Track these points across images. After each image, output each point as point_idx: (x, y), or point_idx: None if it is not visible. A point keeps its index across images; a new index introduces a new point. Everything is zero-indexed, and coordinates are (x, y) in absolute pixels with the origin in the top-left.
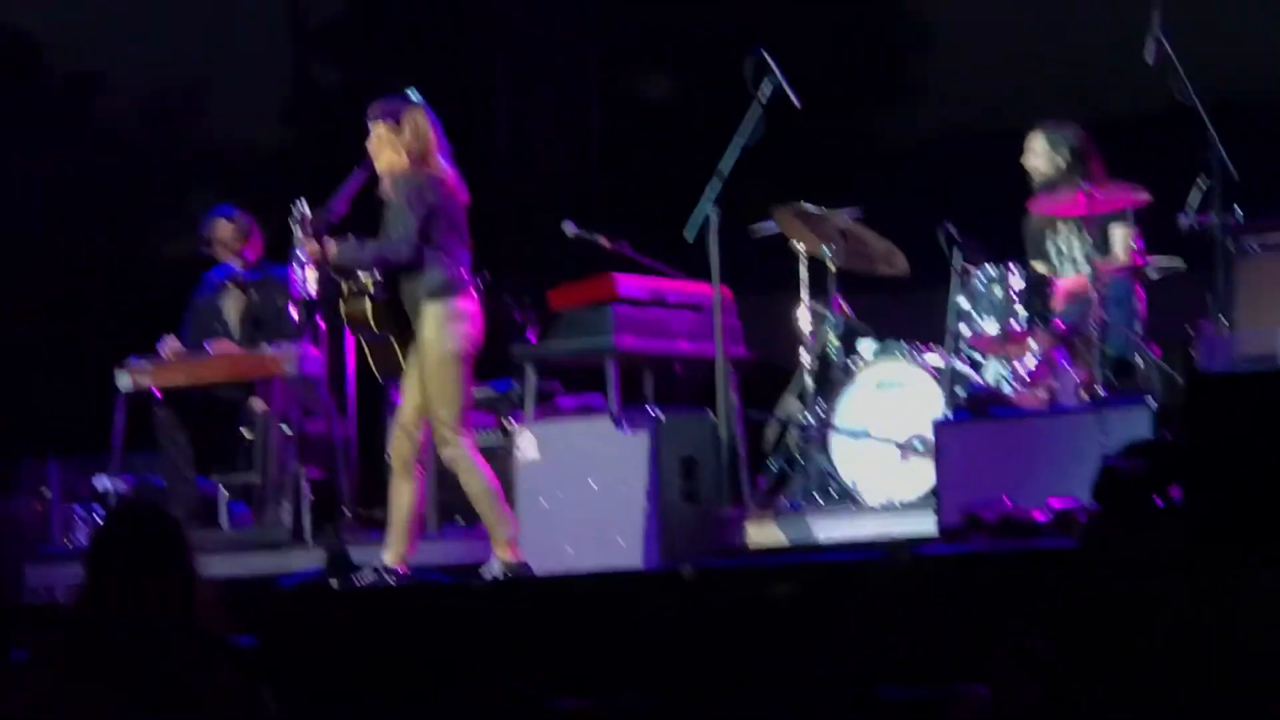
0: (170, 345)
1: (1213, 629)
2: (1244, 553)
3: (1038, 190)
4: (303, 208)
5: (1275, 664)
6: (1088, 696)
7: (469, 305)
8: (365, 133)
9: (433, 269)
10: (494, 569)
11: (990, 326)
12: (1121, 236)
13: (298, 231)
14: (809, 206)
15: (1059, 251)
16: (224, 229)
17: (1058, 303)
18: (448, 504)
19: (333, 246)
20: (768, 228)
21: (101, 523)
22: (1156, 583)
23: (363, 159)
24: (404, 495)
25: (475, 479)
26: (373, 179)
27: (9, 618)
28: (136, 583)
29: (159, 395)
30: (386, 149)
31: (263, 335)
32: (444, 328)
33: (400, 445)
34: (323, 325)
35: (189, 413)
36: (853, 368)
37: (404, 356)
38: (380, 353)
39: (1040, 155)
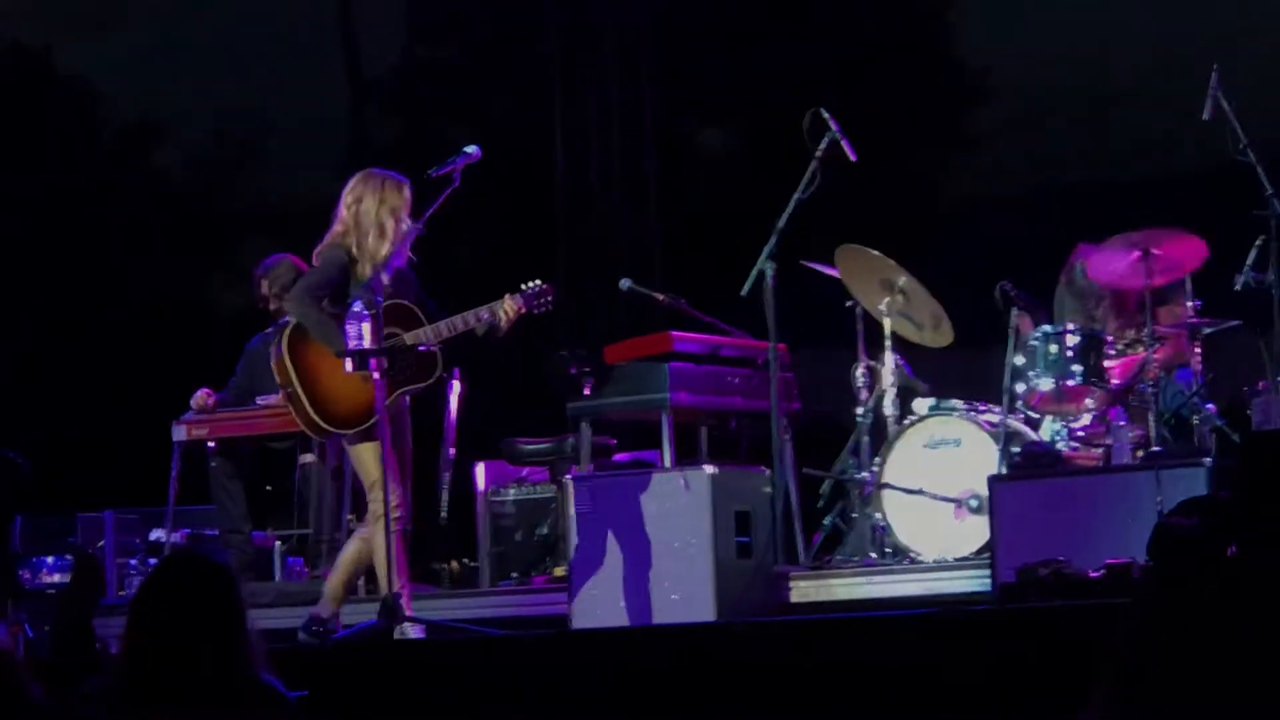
0: (199, 397)
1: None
2: None
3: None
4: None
5: None
6: None
7: None
8: (422, 183)
9: None
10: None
11: (1046, 384)
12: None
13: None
14: (872, 251)
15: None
16: (280, 279)
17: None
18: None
19: None
20: (821, 268)
21: (152, 572)
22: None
23: (420, 212)
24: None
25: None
26: (428, 231)
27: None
28: (184, 631)
29: (213, 447)
30: None
31: None
32: None
33: None
34: (377, 378)
35: (243, 465)
36: (908, 424)
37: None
38: None
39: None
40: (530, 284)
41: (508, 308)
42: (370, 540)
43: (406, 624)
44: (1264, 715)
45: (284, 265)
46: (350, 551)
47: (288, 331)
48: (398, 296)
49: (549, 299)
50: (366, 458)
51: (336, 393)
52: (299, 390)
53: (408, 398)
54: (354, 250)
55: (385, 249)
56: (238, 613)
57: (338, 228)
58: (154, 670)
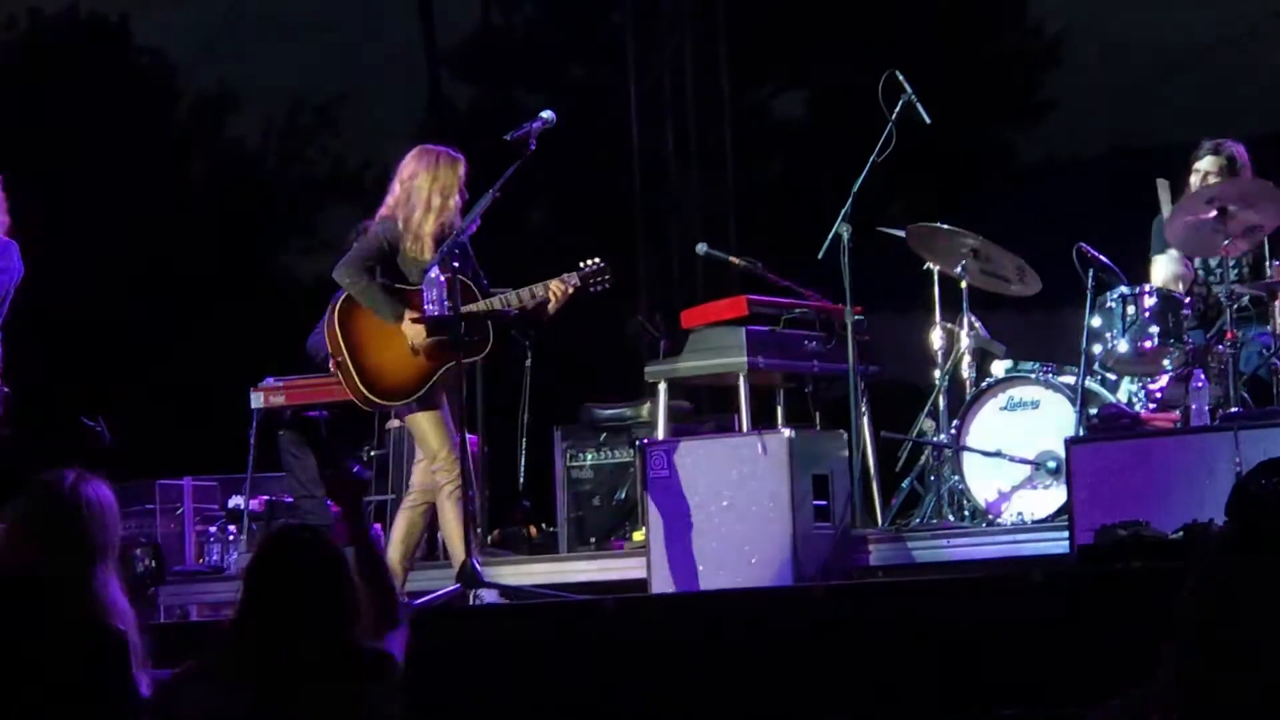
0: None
1: None
2: None
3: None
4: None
5: None
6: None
7: None
8: (499, 150)
9: None
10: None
11: (1123, 346)
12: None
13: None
14: (941, 225)
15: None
16: None
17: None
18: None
19: None
20: (895, 231)
21: (263, 547)
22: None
23: (495, 179)
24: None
25: None
26: (506, 199)
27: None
28: (296, 607)
29: (286, 416)
30: None
31: None
32: None
33: None
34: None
35: (317, 432)
36: (985, 387)
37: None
38: None
39: (1217, 173)
40: (588, 262)
41: (555, 289)
42: (415, 510)
43: (482, 589)
44: None
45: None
46: (400, 526)
47: (339, 302)
48: (460, 270)
49: (606, 278)
50: (425, 427)
51: (385, 364)
52: (348, 360)
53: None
54: (402, 225)
55: (430, 225)
56: (348, 588)
57: (389, 200)
58: (265, 642)
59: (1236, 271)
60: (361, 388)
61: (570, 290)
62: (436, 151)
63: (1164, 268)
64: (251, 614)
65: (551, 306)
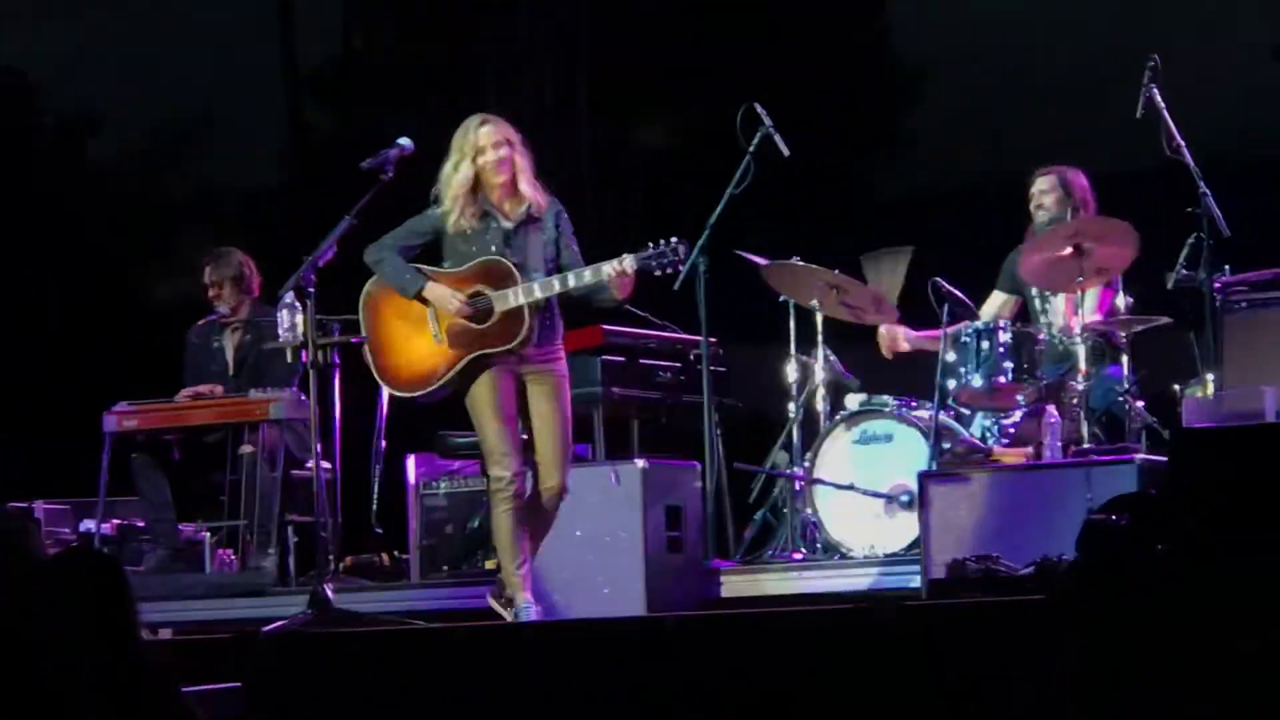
0: (184, 394)
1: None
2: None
3: (1040, 230)
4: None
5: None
6: None
7: None
8: (357, 176)
9: None
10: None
11: (977, 380)
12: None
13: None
14: (796, 263)
15: (1043, 298)
16: (223, 269)
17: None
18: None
19: None
20: (754, 258)
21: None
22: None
23: (353, 204)
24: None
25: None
26: (361, 225)
27: None
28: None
29: (138, 439)
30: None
31: (251, 379)
32: None
33: None
34: (309, 369)
35: (166, 456)
36: (839, 420)
37: None
38: None
39: (1053, 196)
40: (659, 242)
41: (611, 269)
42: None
43: (521, 605)
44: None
45: (230, 255)
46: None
47: (369, 284)
48: (516, 251)
49: (677, 259)
50: (473, 420)
51: (406, 353)
52: (371, 345)
53: (513, 359)
54: (439, 207)
55: (454, 190)
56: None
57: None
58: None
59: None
60: (387, 375)
61: (628, 271)
62: (463, 124)
63: (994, 304)
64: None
65: (616, 288)
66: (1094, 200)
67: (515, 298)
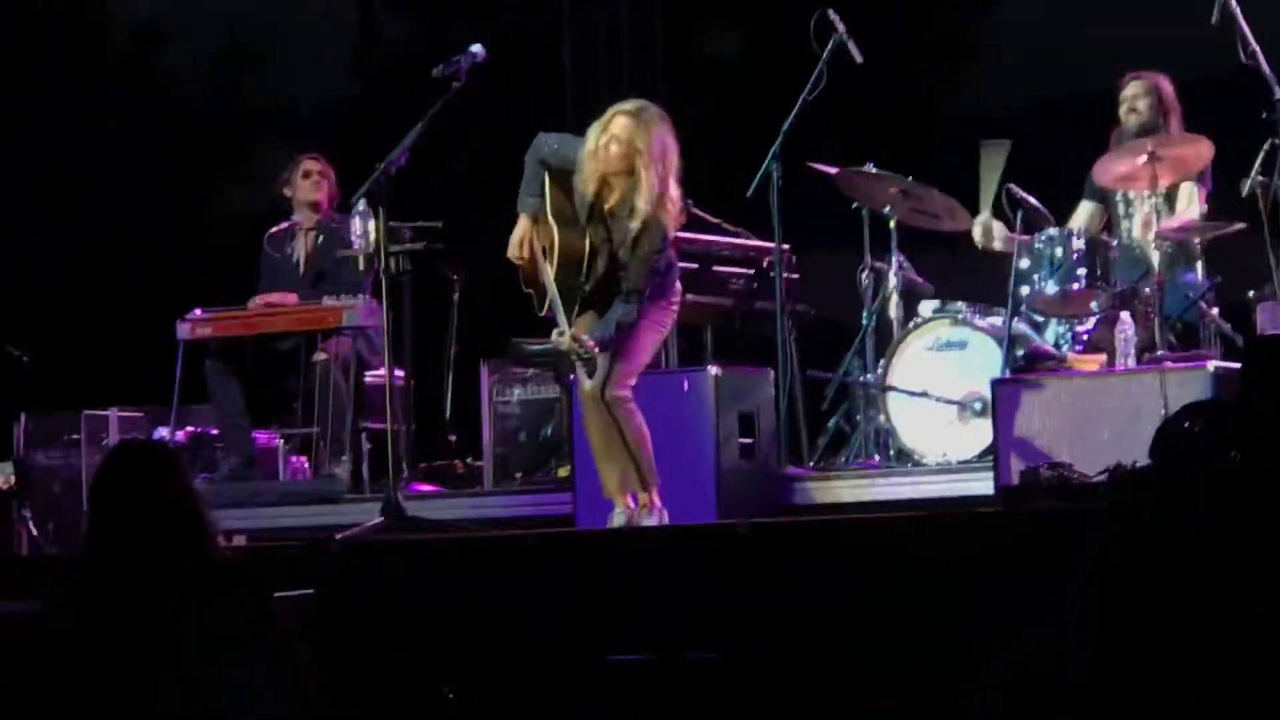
0: (257, 301)
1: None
2: None
3: (1129, 136)
4: None
5: None
6: (1131, 656)
7: None
8: (428, 84)
9: None
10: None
11: (1050, 288)
12: (1188, 195)
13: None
14: (870, 169)
15: (1126, 201)
16: (306, 173)
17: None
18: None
19: None
20: (826, 169)
21: (102, 466)
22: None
23: (424, 112)
24: None
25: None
26: (434, 133)
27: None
28: (142, 518)
29: (212, 346)
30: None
31: (324, 286)
32: None
33: None
34: (381, 275)
35: (240, 362)
36: (912, 327)
37: None
38: None
39: (1146, 101)
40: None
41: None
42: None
43: (617, 511)
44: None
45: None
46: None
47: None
48: (599, 234)
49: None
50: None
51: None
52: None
53: None
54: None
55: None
56: (190, 494)
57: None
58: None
59: (1152, 204)
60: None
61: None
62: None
63: (1083, 214)
64: (99, 531)
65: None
66: (1179, 108)
67: (542, 301)
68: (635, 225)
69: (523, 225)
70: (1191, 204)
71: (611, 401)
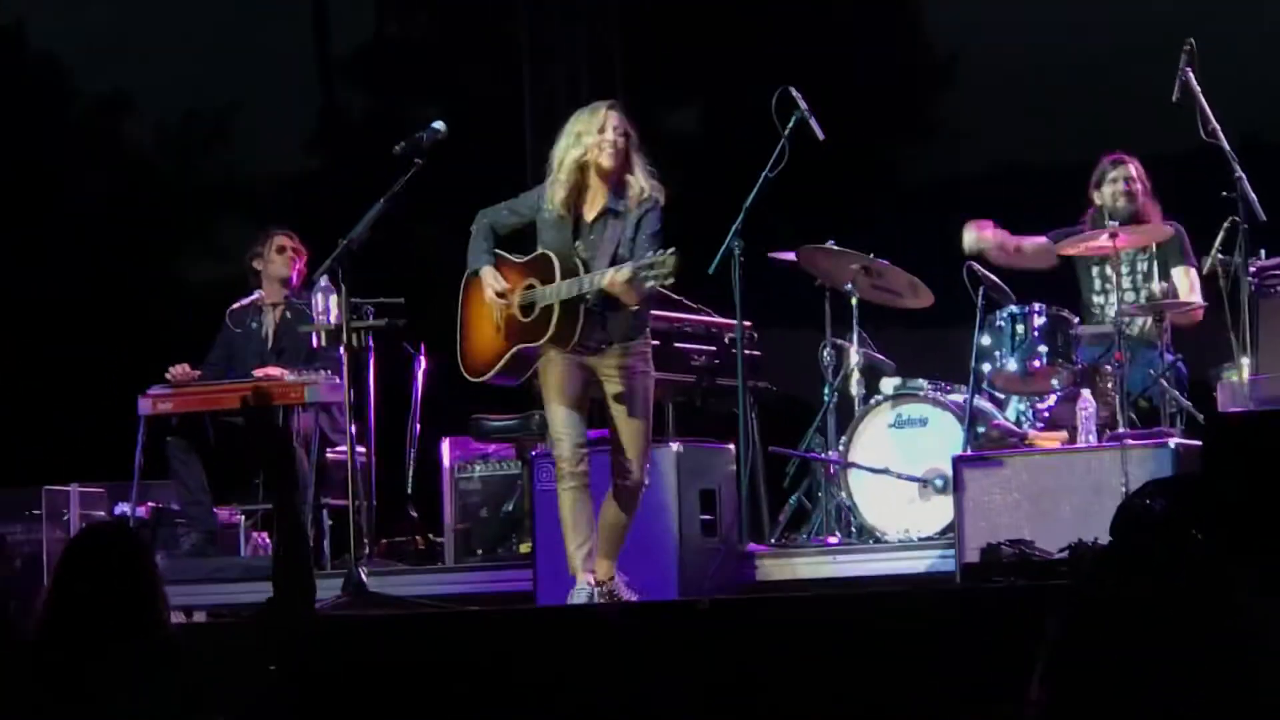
0: (178, 371)
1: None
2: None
3: (1125, 216)
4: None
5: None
6: None
7: None
8: (391, 159)
9: None
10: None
11: (1011, 365)
12: (1187, 283)
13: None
14: (830, 245)
15: (1104, 278)
16: (281, 248)
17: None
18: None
19: None
20: (785, 255)
21: (69, 543)
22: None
23: (386, 188)
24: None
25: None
26: (395, 209)
27: None
28: (101, 599)
29: (173, 422)
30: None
31: (285, 362)
32: None
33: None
34: (343, 352)
35: (201, 439)
36: (874, 404)
37: None
38: None
39: (1140, 186)
40: (655, 253)
41: (607, 279)
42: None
43: (579, 585)
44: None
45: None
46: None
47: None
48: (589, 246)
49: (660, 271)
50: (546, 408)
51: (476, 338)
52: (459, 323)
53: (579, 351)
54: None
55: (561, 175)
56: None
57: None
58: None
59: (1130, 279)
60: (460, 358)
61: (619, 282)
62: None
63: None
64: (60, 615)
65: (625, 298)
66: (1145, 183)
67: (545, 296)
68: (645, 205)
69: (486, 271)
70: (1195, 290)
71: (640, 484)
